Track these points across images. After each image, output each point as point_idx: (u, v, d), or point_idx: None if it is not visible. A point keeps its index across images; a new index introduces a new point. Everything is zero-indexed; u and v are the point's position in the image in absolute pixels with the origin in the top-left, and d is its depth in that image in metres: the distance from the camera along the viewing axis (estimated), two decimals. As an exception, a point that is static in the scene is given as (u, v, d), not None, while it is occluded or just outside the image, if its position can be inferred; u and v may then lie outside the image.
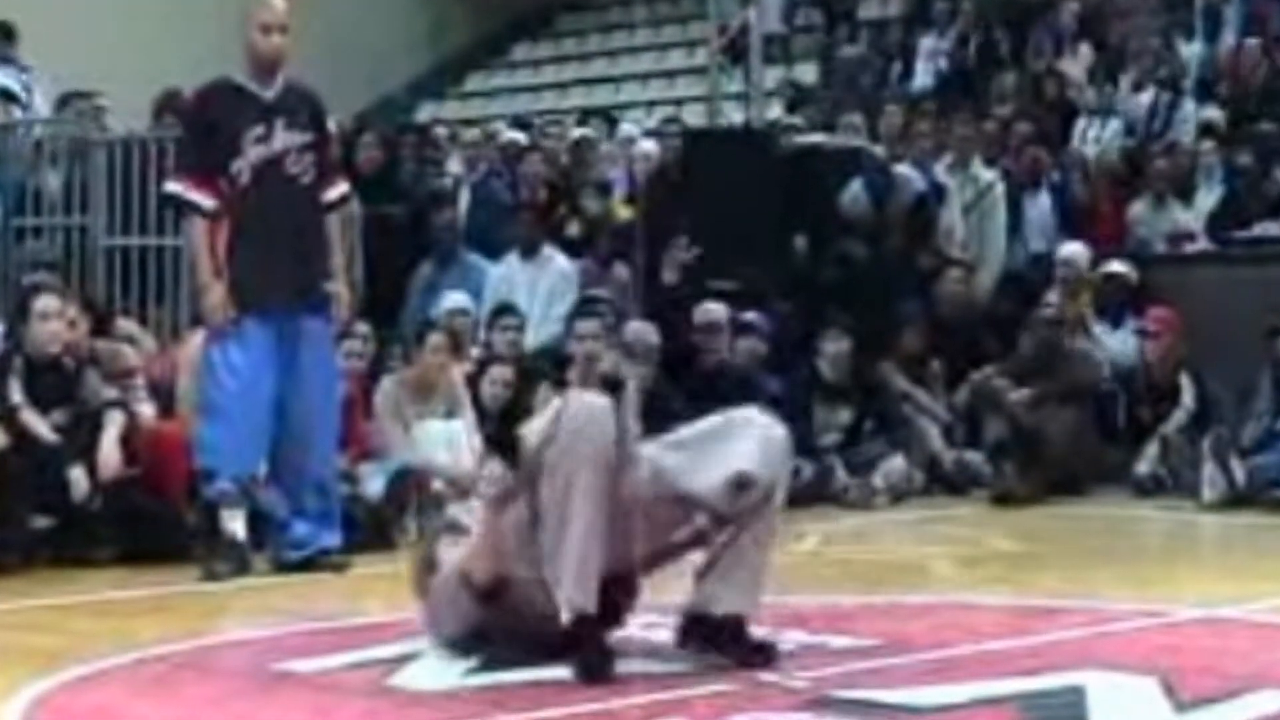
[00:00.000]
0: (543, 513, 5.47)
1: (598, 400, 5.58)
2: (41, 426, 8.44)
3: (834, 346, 10.90)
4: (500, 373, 9.79)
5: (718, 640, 5.65)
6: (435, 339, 9.36)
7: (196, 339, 8.79)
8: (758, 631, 5.71)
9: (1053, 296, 11.56)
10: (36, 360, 8.57)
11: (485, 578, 5.70)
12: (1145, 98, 14.22)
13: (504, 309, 10.88)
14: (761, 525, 5.77)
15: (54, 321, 8.60)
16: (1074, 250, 12.01)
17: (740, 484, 5.48)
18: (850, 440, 10.81)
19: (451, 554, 5.98)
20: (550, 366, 10.25)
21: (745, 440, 5.73)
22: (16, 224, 11.23)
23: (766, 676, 5.49)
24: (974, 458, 11.08)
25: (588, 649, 5.43)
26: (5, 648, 6.47)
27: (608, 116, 16.08)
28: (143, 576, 7.98)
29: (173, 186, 8.24)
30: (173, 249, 10.58)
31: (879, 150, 12.70)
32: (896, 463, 10.75)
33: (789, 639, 5.84)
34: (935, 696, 5.25)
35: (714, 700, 5.25)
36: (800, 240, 11.97)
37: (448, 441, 8.91)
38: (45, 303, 8.65)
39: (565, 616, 5.42)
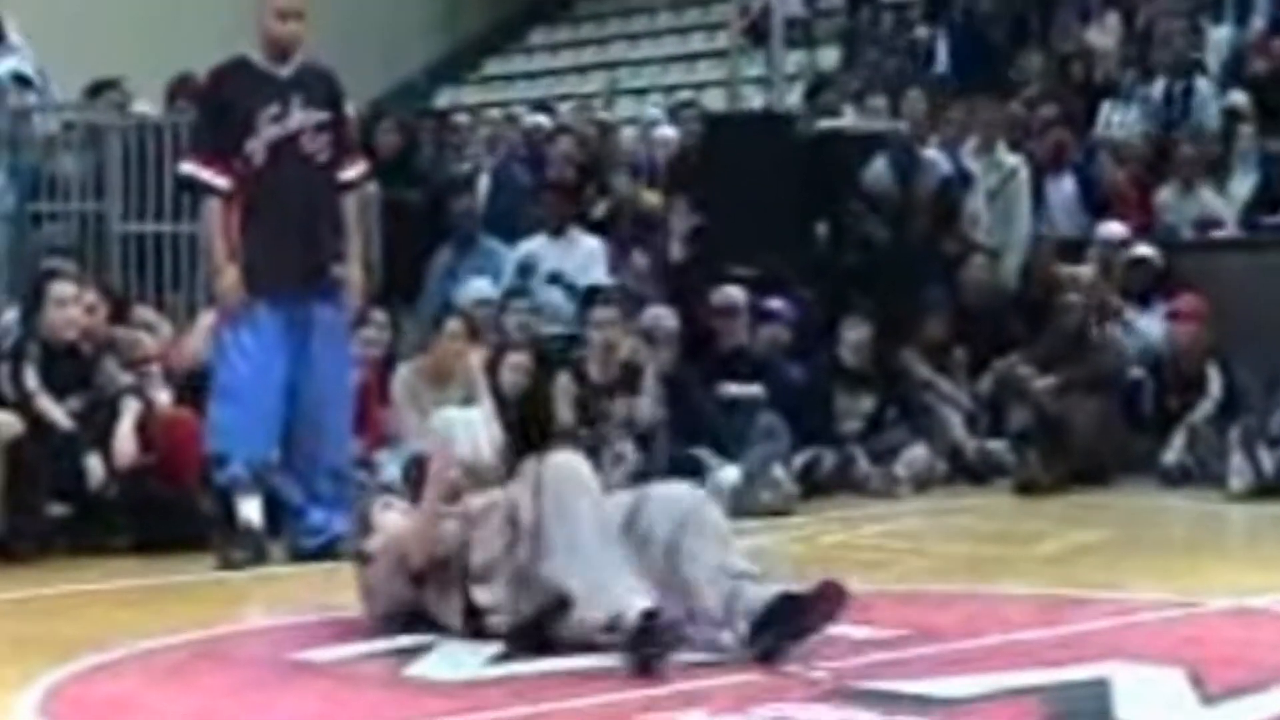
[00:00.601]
0: (547, 548, 5.67)
1: (573, 457, 5.88)
2: (57, 413, 8.44)
3: (855, 333, 10.87)
4: (518, 359, 9.81)
5: None
6: (453, 325, 9.35)
7: (208, 318, 8.84)
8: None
9: (1082, 275, 11.52)
10: (52, 346, 8.56)
11: (420, 561, 5.91)
12: (1160, 84, 14.14)
13: (515, 292, 11.03)
14: None
15: (70, 307, 8.59)
16: (1112, 230, 11.98)
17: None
18: (872, 428, 10.79)
19: (385, 518, 6.21)
20: (568, 354, 10.29)
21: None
22: (32, 209, 11.25)
23: (788, 667, 5.49)
24: (997, 446, 11.05)
25: (648, 644, 5.41)
26: (21, 636, 6.49)
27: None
28: (159, 565, 7.99)
29: (187, 167, 8.24)
30: (189, 235, 10.57)
31: (904, 126, 12.66)
32: (919, 451, 10.72)
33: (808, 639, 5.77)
34: (958, 688, 5.24)
35: (734, 691, 5.25)
36: (822, 226, 11.95)
37: (465, 429, 8.95)
38: (61, 289, 8.65)
39: (632, 617, 5.43)
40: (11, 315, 9.33)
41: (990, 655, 5.76)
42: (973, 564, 8.16)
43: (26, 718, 5.14)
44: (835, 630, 5.92)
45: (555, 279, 11.53)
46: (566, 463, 5.89)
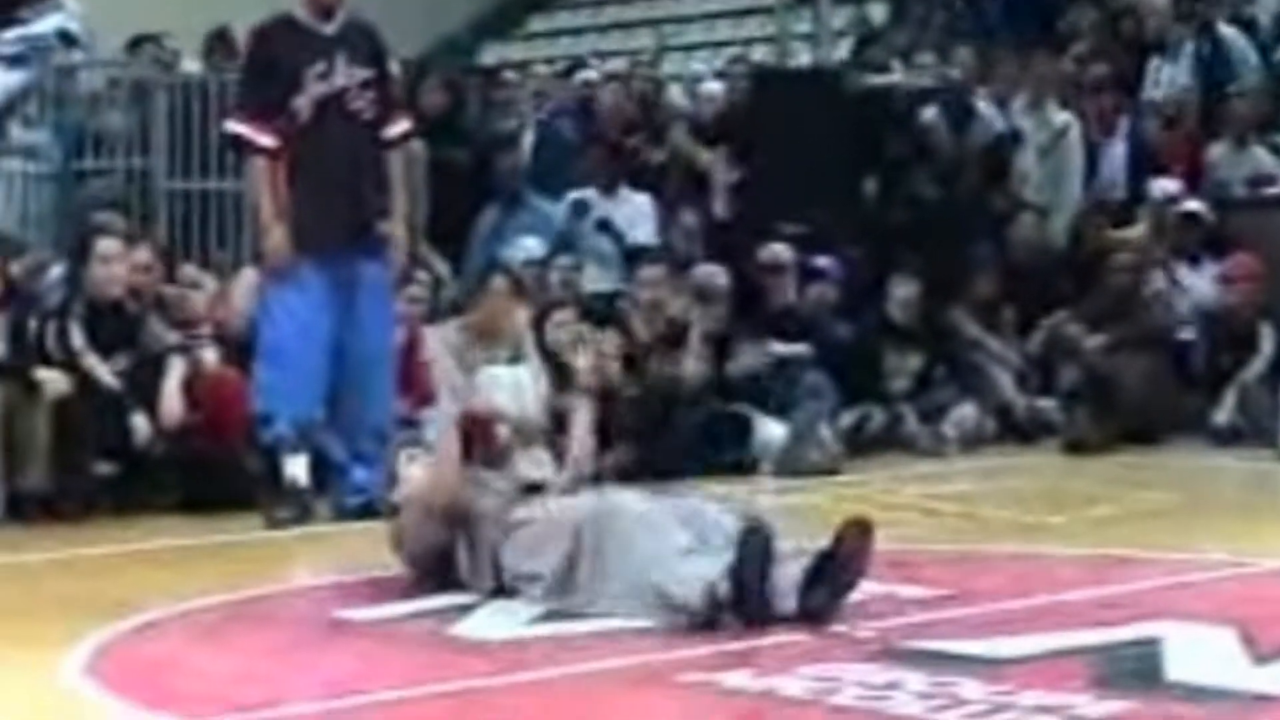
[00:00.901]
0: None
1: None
2: (103, 372, 8.47)
3: (904, 290, 10.85)
4: (564, 317, 9.72)
5: None
6: (500, 283, 9.04)
7: (248, 277, 8.92)
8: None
9: (1132, 233, 11.45)
10: (98, 304, 8.58)
11: (445, 501, 6.18)
12: (1189, 46, 14.01)
13: (561, 247, 11.06)
14: None
15: (115, 264, 8.60)
16: (1163, 187, 11.91)
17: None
18: (920, 387, 10.77)
19: (410, 471, 6.43)
20: (614, 311, 10.31)
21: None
22: (77, 167, 11.31)
23: (834, 627, 5.50)
24: (1047, 405, 11.02)
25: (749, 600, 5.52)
26: (67, 596, 6.55)
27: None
28: (205, 524, 8.03)
29: (234, 125, 8.30)
30: (234, 192, 10.62)
31: (957, 74, 12.60)
32: (968, 410, 10.70)
33: (859, 588, 5.80)
34: (1007, 648, 5.23)
35: (780, 651, 5.27)
36: (870, 182, 11.91)
37: (513, 387, 8.81)
38: (106, 245, 8.67)
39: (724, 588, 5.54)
40: (58, 272, 9.37)
41: (1038, 615, 5.74)
42: (1021, 524, 8.13)
43: (74, 677, 5.18)
44: (882, 589, 5.98)
45: (604, 226, 11.54)
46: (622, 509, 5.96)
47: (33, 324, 8.47)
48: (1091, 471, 9.73)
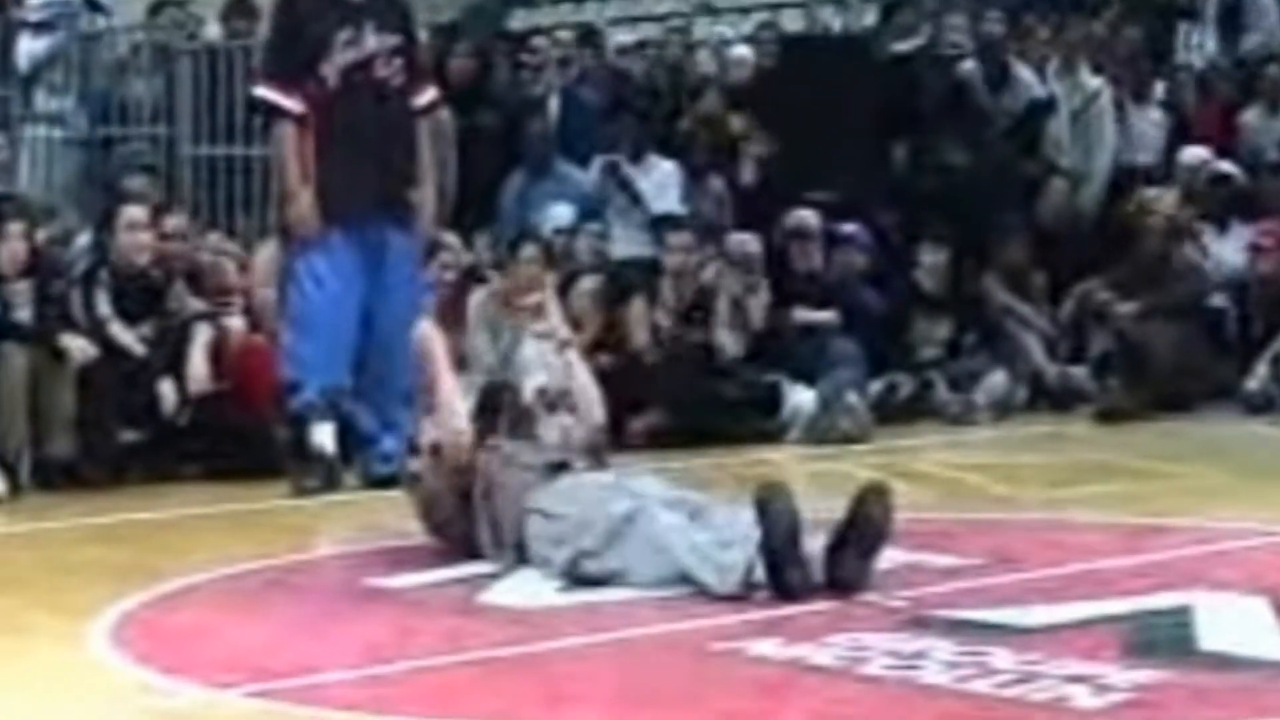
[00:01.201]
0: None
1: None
2: (129, 339, 8.54)
3: (933, 257, 10.84)
4: (590, 285, 9.88)
5: None
6: (529, 250, 9.08)
7: (267, 250, 8.98)
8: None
9: (1163, 204, 11.41)
10: (124, 272, 8.64)
11: (456, 463, 6.27)
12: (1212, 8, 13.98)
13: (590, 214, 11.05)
14: None
15: (141, 232, 8.67)
16: (1196, 154, 11.86)
17: None
18: (950, 354, 10.76)
19: (426, 438, 6.47)
20: (642, 278, 10.34)
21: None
22: (103, 134, 11.35)
23: (863, 595, 5.52)
24: (1078, 373, 11.00)
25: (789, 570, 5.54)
26: (94, 563, 6.60)
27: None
28: (232, 492, 8.07)
29: (262, 91, 8.32)
30: (260, 158, 10.59)
31: (997, 30, 12.55)
32: (998, 378, 10.69)
33: (888, 556, 5.81)
34: (1039, 617, 5.24)
35: (810, 618, 5.28)
36: (899, 149, 11.88)
37: (539, 354, 8.88)
38: (132, 213, 8.75)
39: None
40: (84, 240, 9.46)
41: (1070, 584, 5.75)
42: (1052, 492, 8.12)
43: (99, 644, 5.23)
44: (912, 558, 5.99)
45: (631, 192, 11.43)
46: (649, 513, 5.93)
47: (59, 291, 8.52)
48: (1123, 440, 9.71)
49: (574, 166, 11.86)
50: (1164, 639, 5.02)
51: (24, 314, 8.33)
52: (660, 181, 11.52)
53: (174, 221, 9.11)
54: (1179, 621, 5.17)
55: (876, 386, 10.35)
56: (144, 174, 10.26)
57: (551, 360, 6.62)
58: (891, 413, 10.29)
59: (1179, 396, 10.61)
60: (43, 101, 11.30)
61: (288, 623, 5.64)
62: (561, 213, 11.09)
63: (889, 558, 5.80)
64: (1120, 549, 6.47)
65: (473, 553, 6.23)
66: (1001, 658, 4.78)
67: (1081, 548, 6.51)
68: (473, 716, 4.59)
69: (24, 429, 8.09)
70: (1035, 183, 11.89)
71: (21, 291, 8.35)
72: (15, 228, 8.45)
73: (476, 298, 9.09)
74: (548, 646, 5.14)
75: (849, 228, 11.04)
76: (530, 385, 6.50)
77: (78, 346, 8.26)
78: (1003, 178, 11.91)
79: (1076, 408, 10.75)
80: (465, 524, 6.30)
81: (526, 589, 5.82)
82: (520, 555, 6.13)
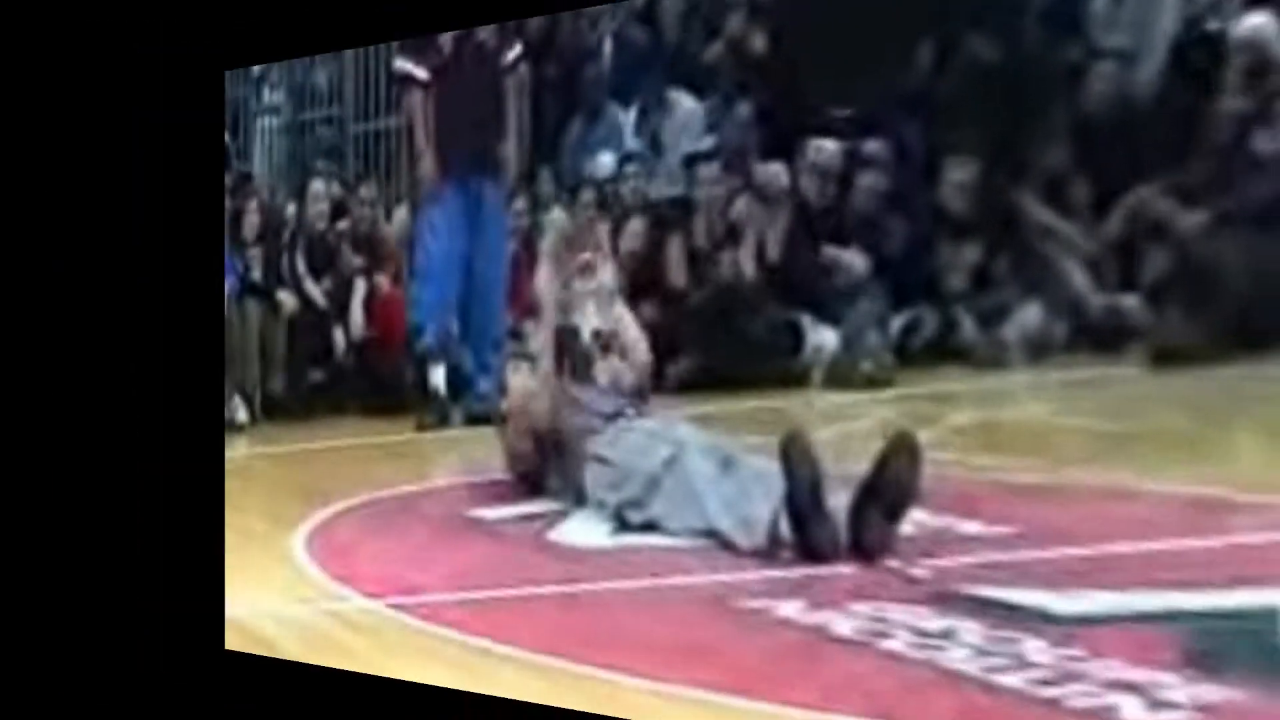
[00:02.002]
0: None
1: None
2: (317, 293, 11.36)
3: (960, 174, 10.58)
4: (636, 225, 10.94)
5: None
6: (585, 196, 11.22)
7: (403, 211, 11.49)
8: None
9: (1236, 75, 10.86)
10: (310, 235, 11.53)
11: (533, 424, 7.76)
12: None
13: (628, 157, 12.25)
14: None
15: (321, 203, 11.62)
16: (1257, 23, 11.23)
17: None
18: (978, 284, 10.50)
19: (513, 381, 8.35)
20: (681, 215, 11.11)
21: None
22: (301, 119, 13.58)
23: (888, 561, 5.68)
24: (1129, 303, 10.49)
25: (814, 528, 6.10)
26: (294, 483, 8.83)
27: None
28: (378, 426, 10.33)
29: (401, 63, 10.31)
30: (396, 130, 12.57)
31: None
32: (1033, 311, 10.33)
33: (909, 519, 5.90)
34: (1080, 604, 5.03)
35: (837, 582, 5.54)
36: (924, 50, 11.49)
37: (597, 299, 10.09)
38: (315, 187, 11.73)
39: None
40: (291, 211, 12.10)
41: (1119, 566, 5.51)
42: (1099, 451, 7.79)
43: (298, 550, 7.14)
44: (939, 523, 6.07)
45: (656, 134, 12.54)
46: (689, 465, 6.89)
47: (274, 253, 11.46)
48: (1186, 386, 9.20)
49: (621, 109, 12.87)
50: (1240, 647, 4.67)
51: (257, 274, 11.32)
52: (683, 121, 12.19)
53: (365, 192, 11.88)
54: (1260, 629, 4.82)
55: (898, 323, 10.29)
56: (330, 156, 12.96)
57: (607, 303, 7.85)
58: (913, 353, 10.21)
59: (1257, 333, 10.01)
60: (267, 95, 13.90)
61: (412, 546, 7.23)
62: (604, 161, 12.23)
63: (914, 520, 5.96)
64: (1183, 527, 6.11)
65: (545, 490, 7.71)
66: (1036, 649, 4.69)
67: (1134, 522, 6.18)
68: (517, 645, 5.65)
69: (257, 370, 11.09)
70: (1077, 69, 11.39)
71: (256, 256, 11.33)
72: (253, 202, 11.50)
73: (546, 246, 10.24)
74: (588, 588, 6.22)
75: (871, 146, 10.94)
76: (587, 328, 7.75)
77: (287, 299, 11.27)
78: (1039, 69, 11.46)
79: (1128, 346, 10.19)
80: (539, 463, 7.77)
81: (584, 530, 7.00)
82: (579, 497, 7.39)
